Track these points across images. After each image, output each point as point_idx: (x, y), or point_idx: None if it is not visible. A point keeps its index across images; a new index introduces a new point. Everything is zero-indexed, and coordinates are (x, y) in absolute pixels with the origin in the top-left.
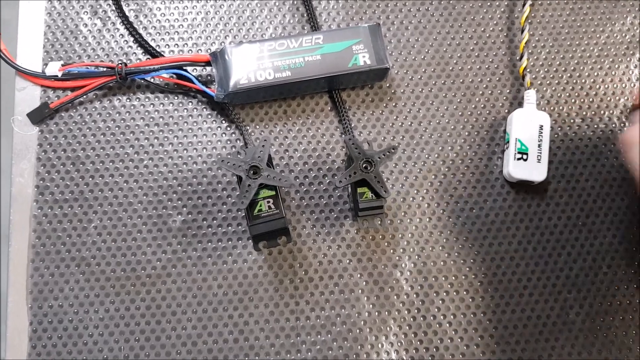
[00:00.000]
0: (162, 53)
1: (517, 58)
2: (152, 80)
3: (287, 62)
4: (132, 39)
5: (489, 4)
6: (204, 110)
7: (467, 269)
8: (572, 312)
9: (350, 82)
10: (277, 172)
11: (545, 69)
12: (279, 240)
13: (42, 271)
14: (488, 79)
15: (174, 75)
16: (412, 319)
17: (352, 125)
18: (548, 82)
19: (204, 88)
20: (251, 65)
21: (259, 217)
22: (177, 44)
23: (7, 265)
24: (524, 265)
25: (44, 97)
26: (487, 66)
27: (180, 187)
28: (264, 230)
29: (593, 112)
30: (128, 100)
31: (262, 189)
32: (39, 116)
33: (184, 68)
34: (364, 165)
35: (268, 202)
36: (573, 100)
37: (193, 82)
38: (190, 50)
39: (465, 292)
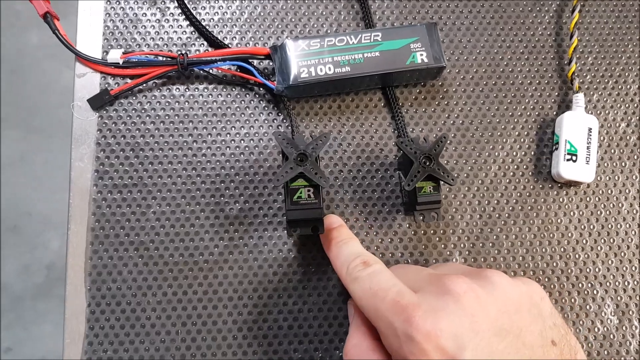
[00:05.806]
0: (225, 44)
1: (565, 62)
2: (211, 71)
3: (347, 57)
4: (191, 29)
5: (538, 8)
6: (261, 102)
7: (517, 265)
8: (609, 313)
9: (404, 80)
10: (320, 169)
11: (592, 74)
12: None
13: (101, 254)
14: (537, 82)
15: (232, 67)
16: None
17: (405, 122)
18: (595, 86)
19: (265, 81)
20: (311, 60)
21: (297, 204)
22: (234, 37)
23: (66, 247)
24: (572, 264)
25: (103, 84)
26: (536, 69)
27: (237, 177)
28: (300, 217)
29: (638, 118)
30: (187, 90)
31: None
32: (99, 102)
33: (248, 60)
34: (424, 161)
35: (309, 191)
36: (618, 105)
37: (254, 75)
38: (248, 43)
39: None
